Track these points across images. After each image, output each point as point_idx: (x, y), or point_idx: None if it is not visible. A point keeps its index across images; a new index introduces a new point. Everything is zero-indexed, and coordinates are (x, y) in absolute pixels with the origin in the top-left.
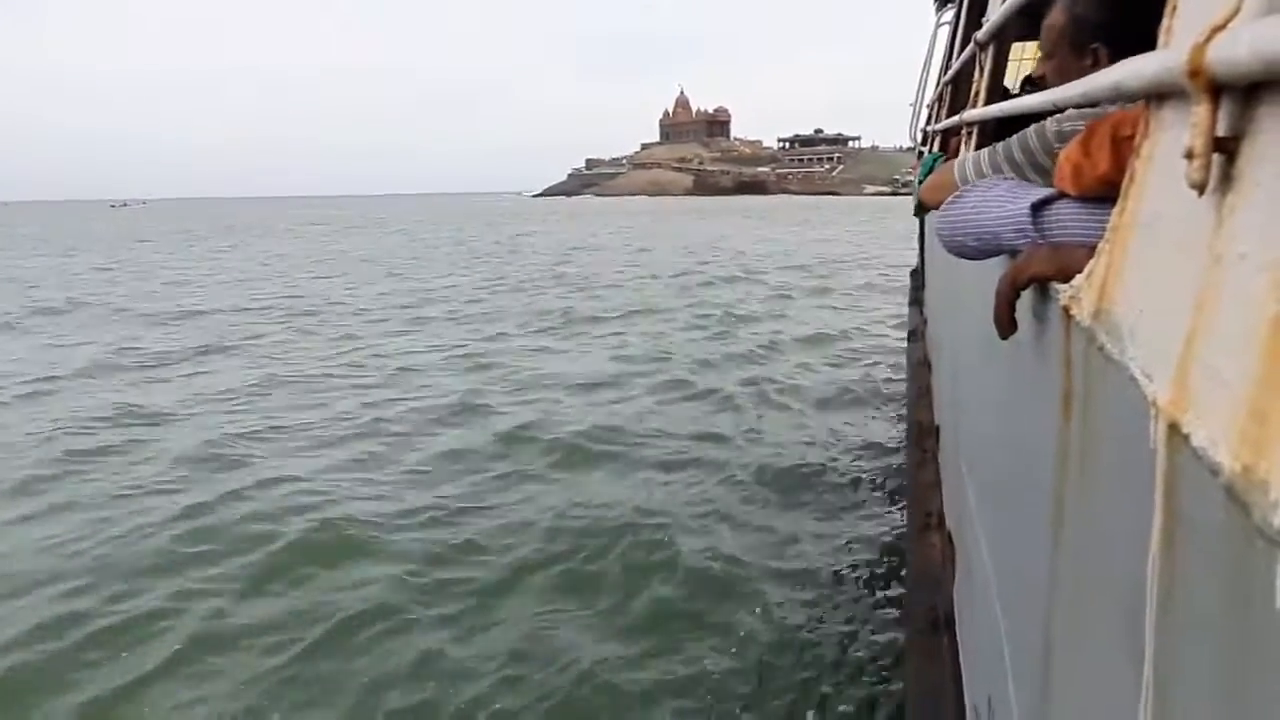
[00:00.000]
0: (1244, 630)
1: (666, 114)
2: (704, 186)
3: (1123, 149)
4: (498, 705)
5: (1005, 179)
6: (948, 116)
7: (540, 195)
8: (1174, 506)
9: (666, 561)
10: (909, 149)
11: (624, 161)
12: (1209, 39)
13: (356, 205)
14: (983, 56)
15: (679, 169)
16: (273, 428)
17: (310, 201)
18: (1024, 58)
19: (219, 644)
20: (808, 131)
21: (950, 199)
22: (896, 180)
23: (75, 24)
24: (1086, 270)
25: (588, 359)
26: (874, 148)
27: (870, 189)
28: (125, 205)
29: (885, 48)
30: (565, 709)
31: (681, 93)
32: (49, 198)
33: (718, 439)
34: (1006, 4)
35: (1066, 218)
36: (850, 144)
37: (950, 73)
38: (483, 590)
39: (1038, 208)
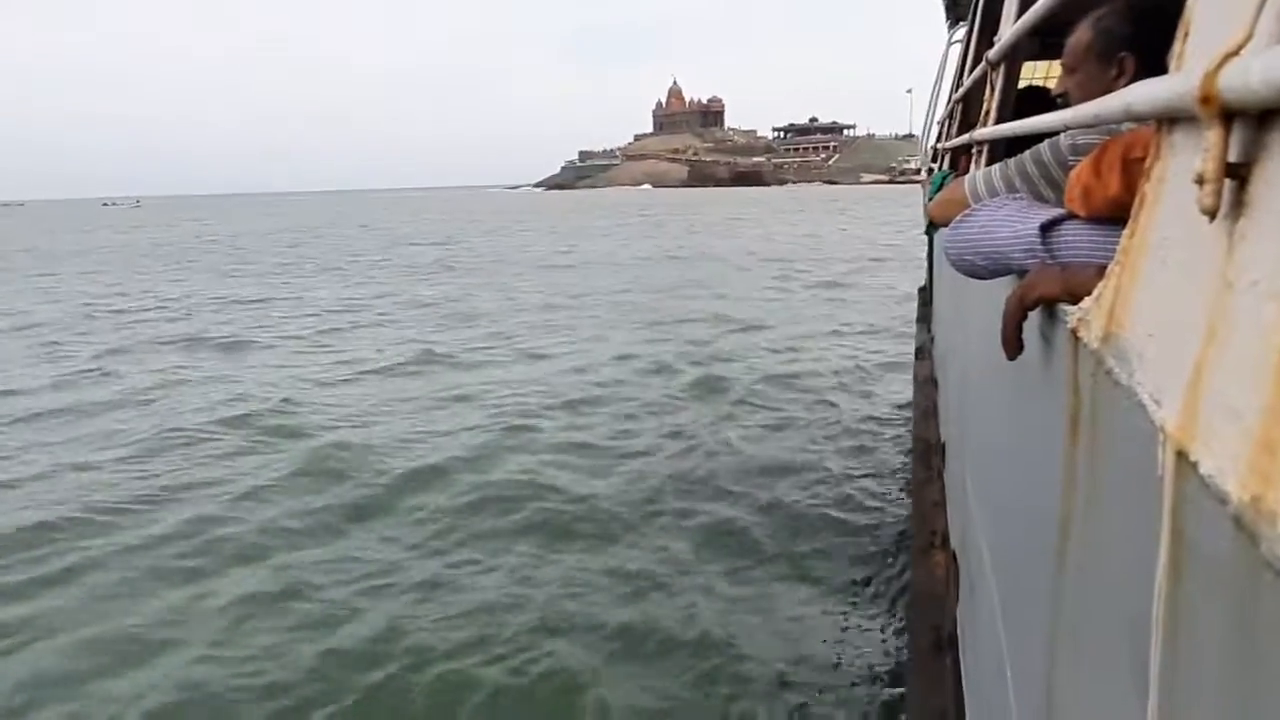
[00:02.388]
0: (1251, 662)
1: (660, 104)
2: (699, 177)
3: (1133, 171)
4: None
5: (1015, 198)
6: (958, 134)
7: (532, 187)
8: (1181, 535)
9: (661, 579)
10: (905, 136)
11: (617, 153)
12: (1221, 65)
13: (312, 202)
14: (994, 75)
15: (674, 160)
16: None
17: (288, 198)
18: (1034, 78)
19: None
20: (803, 120)
21: (959, 218)
22: (894, 169)
23: (59, 18)
24: (1095, 293)
25: None
26: (870, 136)
27: (867, 177)
28: (115, 204)
29: (880, 34)
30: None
31: (674, 83)
32: (51, 196)
33: (715, 452)
34: (1018, 24)
35: (1076, 238)
36: (845, 132)
37: (961, 91)
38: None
39: (1047, 228)
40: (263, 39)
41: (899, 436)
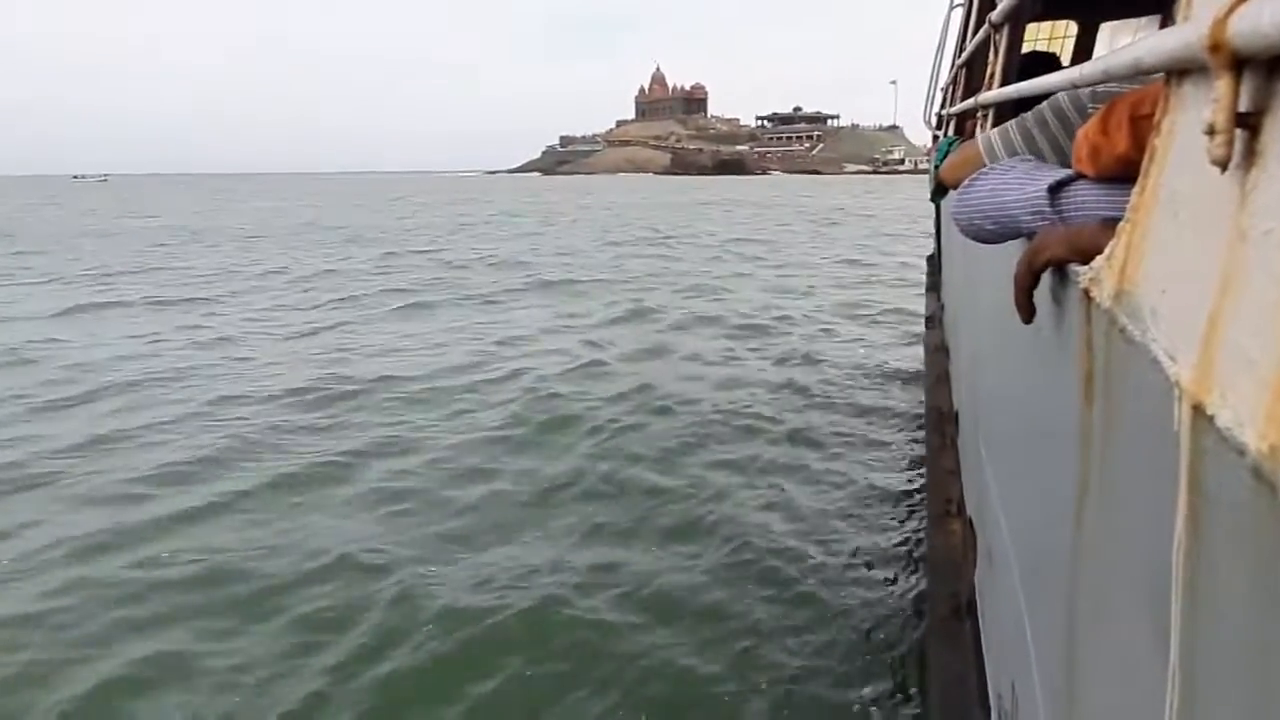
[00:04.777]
0: (1272, 612)
1: (642, 90)
2: (682, 164)
3: (1141, 128)
4: None
5: (1024, 159)
6: (963, 99)
7: (508, 172)
8: (1199, 488)
9: (677, 544)
10: (889, 128)
11: (598, 139)
12: (1230, 12)
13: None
14: (997, 37)
15: (656, 146)
16: None
17: (252, 178)
18: (1038, 38)
19: None
20: (786, 109)
21: (966, 182)
22: (877, 160)
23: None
24: (1106, 251)
25: None
26: (853, 126)
27: (851, 168)
28: (84, 179)
29: (865, 25)
30: (575, 680)
31: (658, 69)
32: (13, 172)
33: (732, 421)
34: None
35: (1085, 199)
36: (829, 122)
37: (965, 55)
38: None
39: (1055, 189)
40: (232, 23)
41: None
